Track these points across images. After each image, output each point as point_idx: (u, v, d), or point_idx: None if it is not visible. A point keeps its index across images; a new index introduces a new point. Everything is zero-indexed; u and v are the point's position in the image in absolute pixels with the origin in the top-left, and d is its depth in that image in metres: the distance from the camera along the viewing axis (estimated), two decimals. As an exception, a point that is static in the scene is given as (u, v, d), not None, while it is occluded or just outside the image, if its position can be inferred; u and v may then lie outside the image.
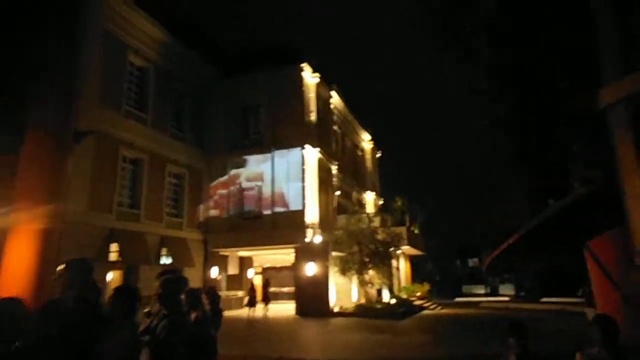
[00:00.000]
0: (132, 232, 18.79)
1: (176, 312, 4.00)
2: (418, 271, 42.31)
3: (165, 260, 20.74)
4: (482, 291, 58.10)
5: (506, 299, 42.82)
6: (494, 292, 54.64)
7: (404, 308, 23.26)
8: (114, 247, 17.73)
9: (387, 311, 21.72)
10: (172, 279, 4.36)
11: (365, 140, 39.12)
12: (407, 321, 20.46)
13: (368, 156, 39.61)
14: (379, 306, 22.58)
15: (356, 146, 36.97)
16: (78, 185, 16.48)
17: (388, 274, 24.57)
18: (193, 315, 4.73)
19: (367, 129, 38.37)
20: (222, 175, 24.75)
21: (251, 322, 20.06)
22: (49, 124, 10.01)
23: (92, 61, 17.40)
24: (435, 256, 58.94)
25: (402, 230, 25.90)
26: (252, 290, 23.11)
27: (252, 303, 22.83)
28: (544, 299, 36.00)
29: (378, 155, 42.22)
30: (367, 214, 27.12)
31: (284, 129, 24.11)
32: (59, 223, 15.08)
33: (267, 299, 25.21)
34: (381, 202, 39.88)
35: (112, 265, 17.87)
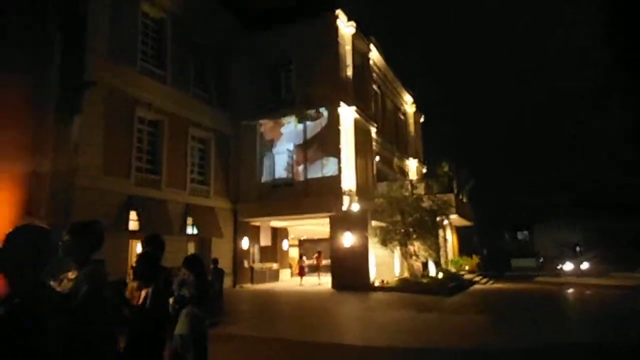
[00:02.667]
0: (152, 200, 17.34)
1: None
2: (464, 244, 39.55)
3: (191, 230, 19.29)
4: (533, 265, 54.59)
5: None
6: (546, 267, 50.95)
7: (454, 283, 20.85)
8: (133, 215, 16.33)
9: (434, 286, 19.41)
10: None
11: (408, 103, 36.10)
12: (457, 297, 18.10)
13: (410, 120, 36.65)
14: (424, 280, 20.29)
15: (397, 109, 34.09)
16: (89, 147, 15.06)
17: (435, 246, 22.14)
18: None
19: (409, 91, 35.30)
20: (250, 140, 22.87)
21: (283, 297, 18.39)
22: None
23: (98, 9, 15.72)
24: (482, 228, 55.42)
25: (450, 197, 23.20)
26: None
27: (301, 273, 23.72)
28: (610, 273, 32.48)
29: (421, 119, 39.09)
30: (411, 180, 24.61)
31: (317, 87, 21.75)
32: (65, 185, 13.36)
33: (303, 272, 23.87)
34: (424, 170, 37.07)
35: (132, 235, 16.52)
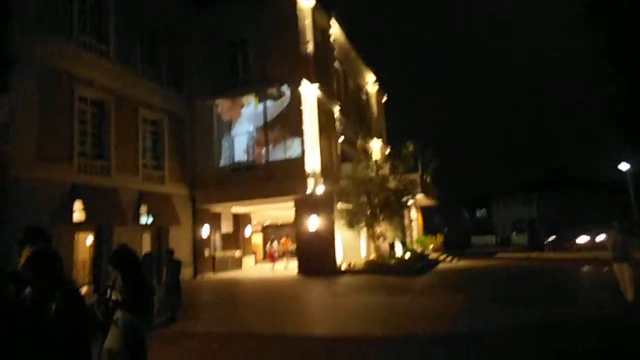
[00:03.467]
0: (100, 188, 15.89)
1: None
2: (426, 223, 39.83)
3: (145, 219, 17.96)
4: (493, 242, 56.09)
5: (518, 249, 40.50)
6: (505, 243, 52.45)
7: (420, 262, 20.67)
8: (78, 205, 14.87)
9: (402, 267, 19.12)
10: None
11: (370, 83, 35.44)
12: (425, 277, 17.86)
13: (373, 100, 36.05)
14: (392, 261, 19.97)
15: (360, 88, 33.37)
16: (21, 132, 13.46)
17: (401, 226, 21.91)
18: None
19: (371, 69, 34.60)
20: (207, 122, 21.55)
21: (246, 285, 17.53)
22: None
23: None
24: (443, 207, 56.19)
25: (416, 177, 22.93)
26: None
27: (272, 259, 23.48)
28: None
29: (384, 99, 38.60)
30: (376, 160, 24.09)
31: (276, 64, 20.63)
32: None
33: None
34: (388, 150, 36.76)
35: (78, 227, 15.09)
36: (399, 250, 22.58)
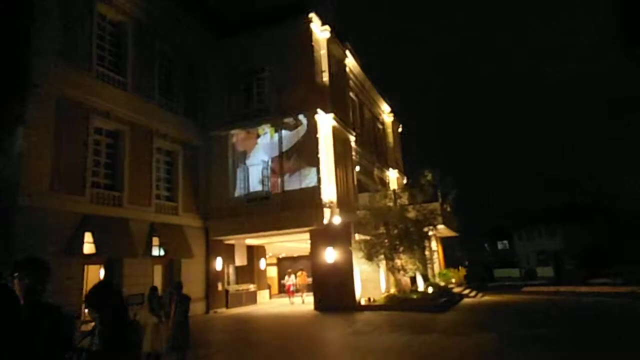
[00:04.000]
0: (111, 219, 15.47)
1: None
2: (446, 256, 38.49)
3: (157, 251, 17.43)
4: (517, 275, 53.95)
5: (544, 282, 38.61)
6: (530, 276, 50.21)
7: (445, 297, 19.54)
8: (88, 237, 14.43)
9: (425, 302, 18.05)
10: None
11: (386, 113, 35.22)
12: (451, 314, 16.76)
13: (389, 130, 35.72)
14: (414, 296, 18.90)
15: (376, 119, 33.12)
16: (35, 161, 13.22)
17: (422, 258, 20.83)
18: None
19: (387, 100, 34.43)
20: (222, 152, 21.27)
21: (261, 322, 16.65)
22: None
23: (47, 4, 14.08)
24: (463, 239, 54.58)
25: (436, 206, 22.06)
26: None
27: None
28: (592, 281, 31.86)
29: (400, 129, 38.24)
30: (394, 190, 23.42)
31: (292, 94, 20.45)
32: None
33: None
34: (405, 181, 36.05)
35: (87, 259, 14.60)
36: (421, 284, 21.49)
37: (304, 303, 20.89)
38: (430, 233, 21.37)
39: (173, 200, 19.15)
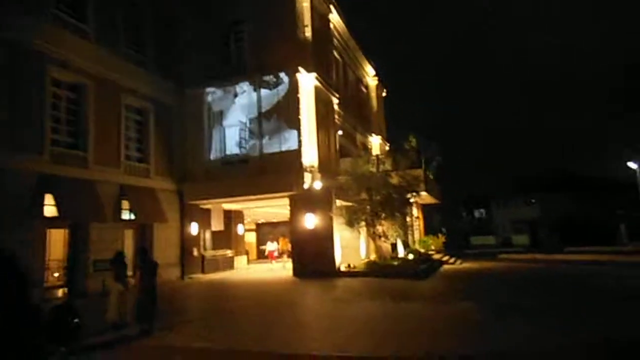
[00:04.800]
0: (76, 180, 14.36)
1: None
2: (425, 223, 38.45)
3: (128, 215, 16.47)
4: (492, 242, 54.87)
5: (519, 250, 39.21)
6: (506, 244, 51.07)
7: (425, 264, 19.29)
8: (49, 199, 13.35)
9: (406, 268, 17.72)
10: None
11: (370, 76, 34.06)
12: (432, 280, 16.49)
13: (373, 94, 34.68)
14: (394, 262, 18.58)
15: (360, 81, 31.99)
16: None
17: (404, 225, 20.47)
18: None
19: (371, 62, 33.20)
20: (197, 112, 20.05)
21: (238, 288, 16.07)
22: None
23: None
24: (443, 206, 54.75)
25: (420, 173, 21.50)
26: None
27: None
28: (568, 249, 32.40)
29: (384, 93, 37.21)
30: (377, 155, 22.75)
31: (272, 50, 19.18)
32: None
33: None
34: (388, 148, 35.37)
35: (50, 223, 13.58)
36: (401, 251, 21.21)
37: (285, 268, 20.42)
38: (412, 200, 20.93)
39: (145, 161, 18.04)
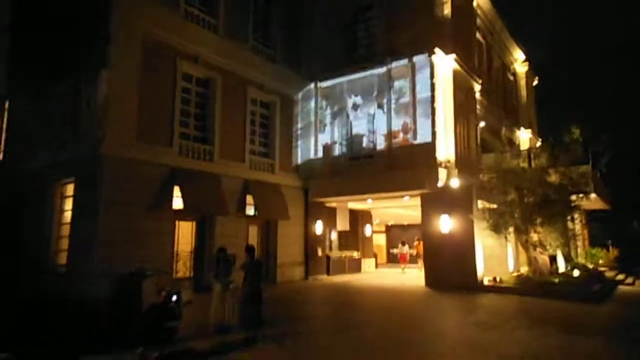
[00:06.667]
0: (201, 173, 14.34)
1: None
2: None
3: (252, 211, 16.10)
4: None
5: None
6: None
7: (598, 284, 15.26)
8: (177, 191, 13.44)
9: (572, 288, 14.10)
10: None
11: (519, 62, 29.65)
12: (610, 306, 12.68)
13: (522, 83, 30.16)
14: (555, 279, 14.98)
15: (506, 68, 27.98)
16: (120, 109, 12.31)
17: (565, 234, 16.63)
18: None
19: (521, 46, 28.82)
20: (323, 104, 19.05)
21: (363, 295, 14.45)
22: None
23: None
24: (605, 213, 45.88)
25: (587, 169, 17.28)
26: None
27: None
28: None
29: (535, 82, 32.22)
30: (529, 148, 19.13)
31: (404, 31, 17.23)
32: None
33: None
34: (538, 144, 30.38)
35: (177, 215, 13.68)
36: (561, 265, 17.31)
37: (419, 271, 18.37)
38: (577, 203, 16.89)
39: (269, 156, 17.62)
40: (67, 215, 12.92)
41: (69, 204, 12.89)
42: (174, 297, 6.77)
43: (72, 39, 13.34)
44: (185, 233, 14.49)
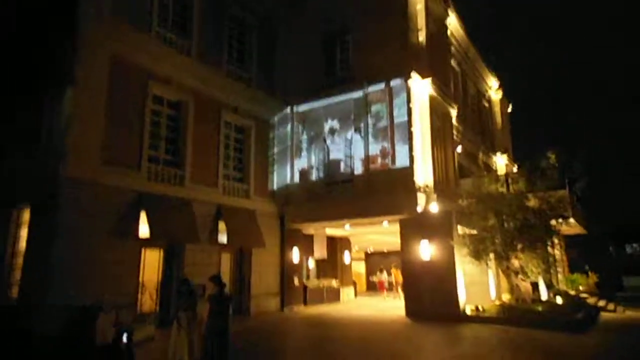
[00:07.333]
0: (171, 198, 13.61)
1: None
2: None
3: (225, 238, 15.33)
4: (654, 285, 44.62)
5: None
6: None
7: (580, 311, 14.92)
8: (144, 217, 12.65)
9: (556, 316, 13.71)
10: None
11: (493, 89, 30.18)
12: (595, 335, 12.30)
13: (496, 109, 30.61)
14: (538, 307, 14.60)
15: (481, 95, 28.36)
16: (85, 129, 11.63)
17: (546, 260, 16.35)
18: None
19: (494, 74, 29.40)
20: (299, 128, 18.68)
21: (342, 327, 13.71)
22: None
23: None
24: (584, 238, 46.37)
25: (564, 194, 17.22)
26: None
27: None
28: None
29: (509, 109, 32.80)
30: (507, 173, 19.09)
31: (381, 56, 17.17)
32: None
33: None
34: (515, 169, 30.65)
35: (145, 243, 12.84)
36: (543, 292, 16.99)
37: (398, 299, 17.75)
38: (557, 228, 16.73)
39: (244, 181, 17.01)
40: (22, 244, 11.94)
41: (24, 231, 11.94)
42: (125, 336, 6.03)
43: (38, 51, 12.68)
44: (151, 262, 13.61)
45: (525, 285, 15.80)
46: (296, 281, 18.22)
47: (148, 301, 13.26)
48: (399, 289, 20.03)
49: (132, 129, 12.97)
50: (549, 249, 17.49)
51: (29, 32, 13.08)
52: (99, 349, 6.38)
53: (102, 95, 12.16)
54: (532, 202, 15.93)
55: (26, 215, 12.07)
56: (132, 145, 12.89)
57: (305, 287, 18.84)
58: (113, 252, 11.72)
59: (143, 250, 13.06)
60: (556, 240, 21.68)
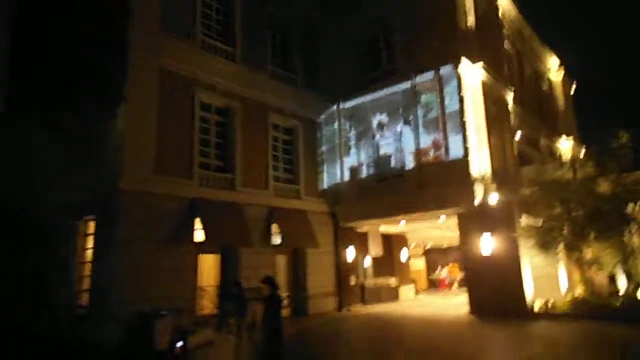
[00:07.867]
0: (223, 203, 13.84)
1: None
2: None
3: (276, 240, 15.38)
4: None
5: None
6: None
7: (668, 306, 13.46)
8: (198, 223, 12.96)
9: (635, 311, 12.46)
10: None
11: (553, 69, 28.21)
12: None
13: (558, 91, 28.59)
14: (616, 302, 13.35)
15: (540, 76, 26.62)
16: (137, 142, 12.09)
17: (623, 249, 14.95)
18: None
19: (555, 52, 27.46)
20: (347, 125, 18.40)
21: (401, 326, 13.29)
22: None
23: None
24: None
25: (641, 176, 15.67)
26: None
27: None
28: None
29: (572, 90, 30.52)
30: (573, 157, 17.72)
31: (428, 44, 16.51)
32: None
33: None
34: (582, 153, 28.45)
35: (201, 248, 13.15)
36: (622, 285, 15.53)
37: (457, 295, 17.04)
38: (636, 213, 15.23)
39: (294, 182, 17.02)
40: (89, 254, 12.63)
41: (90, 242, 12.62)
42: (179, 343, 6.09)
43: (89, 73, 13.35)
44: (209, 267, 13.95)
45: (598, 278, 14.52)
46: (352, 280, 17.99)
47: (208, 305, 13.58)
48: (455, 285, 19.28)
49: (183, 137, 13.32)
50: (628, 236, 16.02)
51: (82, 54, 13.77)
52: (157, 355, 6.49)
53: (153, 109, 12.58)
54: (604, 187, 14.64)
55: (91, 228, 12.73)
56: (183, 153, 13.24)
57: (362, 287, 18.55)
58: (170, 258, 12.07)
59: (199, 256, 13.38)
60: (635, 227, 19.85)
